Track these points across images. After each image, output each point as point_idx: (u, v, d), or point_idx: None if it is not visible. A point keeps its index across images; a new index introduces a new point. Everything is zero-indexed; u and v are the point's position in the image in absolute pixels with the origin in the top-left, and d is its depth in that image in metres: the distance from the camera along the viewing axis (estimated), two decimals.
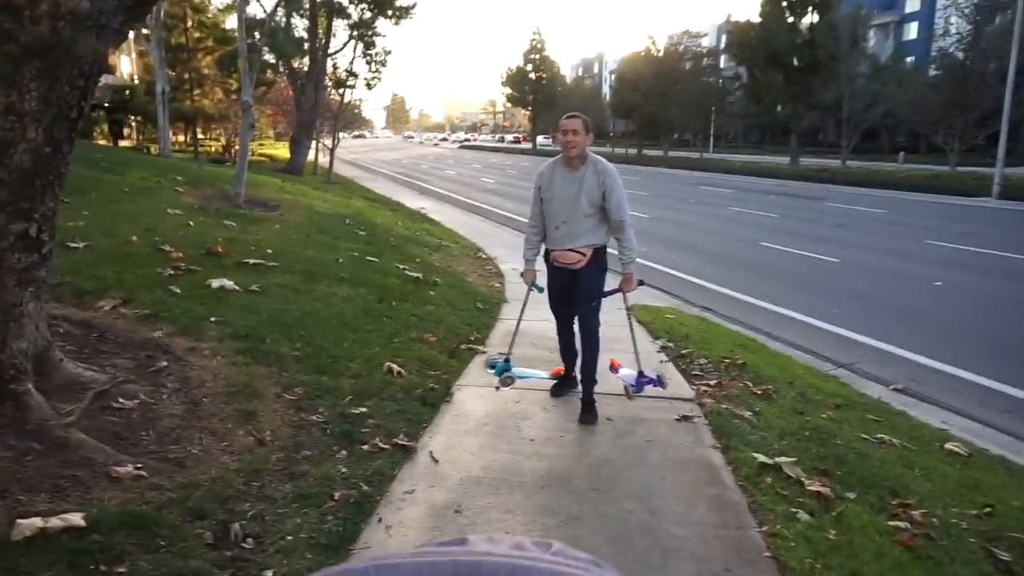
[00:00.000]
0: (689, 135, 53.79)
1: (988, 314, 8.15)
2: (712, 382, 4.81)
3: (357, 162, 46.40)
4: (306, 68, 22.69)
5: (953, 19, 31.93)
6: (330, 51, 22.62)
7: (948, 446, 4.29)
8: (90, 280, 4.65)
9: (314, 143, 30.68)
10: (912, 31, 51.14)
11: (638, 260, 3.73)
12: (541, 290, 3.89)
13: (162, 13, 16.95)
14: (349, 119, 38.44)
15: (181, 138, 31.79)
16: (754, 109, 42.54)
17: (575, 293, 3.76)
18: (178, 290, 4.83)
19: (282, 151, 35.07)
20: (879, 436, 4.15)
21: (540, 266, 3.97)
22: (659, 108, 44.75)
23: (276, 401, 3.55)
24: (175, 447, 2.95)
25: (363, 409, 3.64)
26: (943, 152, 30.92)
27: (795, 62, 34.11)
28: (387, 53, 23.00)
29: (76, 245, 5.45)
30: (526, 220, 4.04)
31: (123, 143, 30.56)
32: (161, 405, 3.22)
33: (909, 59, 42.44)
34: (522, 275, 4.03)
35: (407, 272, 7.36)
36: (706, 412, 3.91)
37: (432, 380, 4.22)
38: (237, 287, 5.22)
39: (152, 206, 7.93)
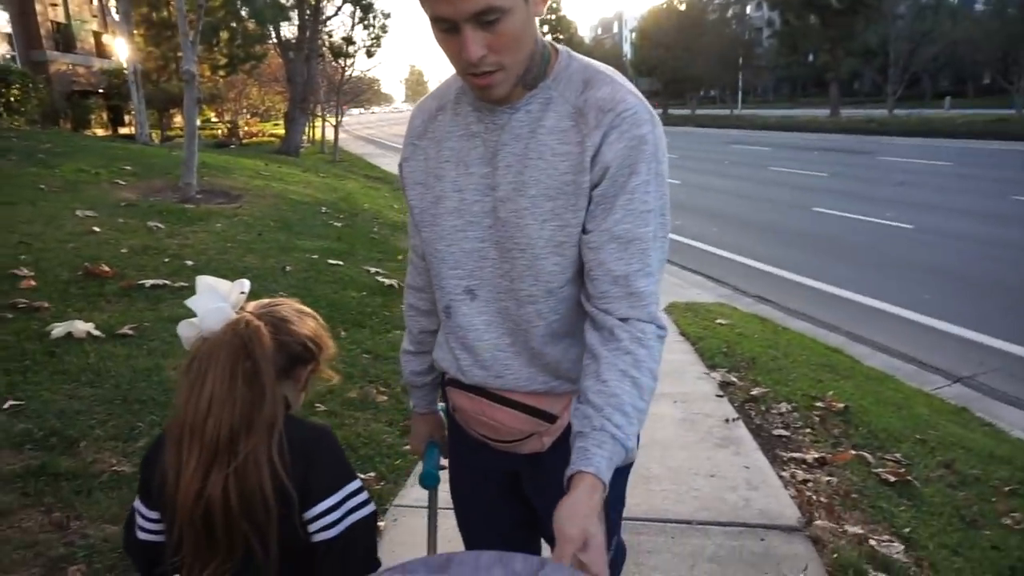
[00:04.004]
0: (716, 91, 51.00)
1: None
2: (810, 458, 3.07)
3: (372, 137, 44.71)
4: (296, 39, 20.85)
5: None
6: (323, 18, 20.73)
7: None
8: None
9: (320, 120, 29.07)
10: None
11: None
12: (433, 482, 1.39)
13: None
14: (358, 93, 36.70)
15: (178, 120, 30.23)
16: (786, 59, 39.78)
17: (525, 524, 1.34)
18: None
19: None
20: None
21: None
22: (684, 63, 42.18)
23: None
24: None
25: None
26: (995, 95, 28.12)
27: (834, 3, 31.28)
28: (386, 16, 21.04)
29: None
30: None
31: (124, 131, 29.18)
32: None
33: None
34: (410, 433, 1.49)
35: (378, 278, 5.68)
36: (829, 567, 2.16)
37: None
38: (97, 332, 3.57)
39: (60, 207, 6.33)
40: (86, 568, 1.99)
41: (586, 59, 1.10)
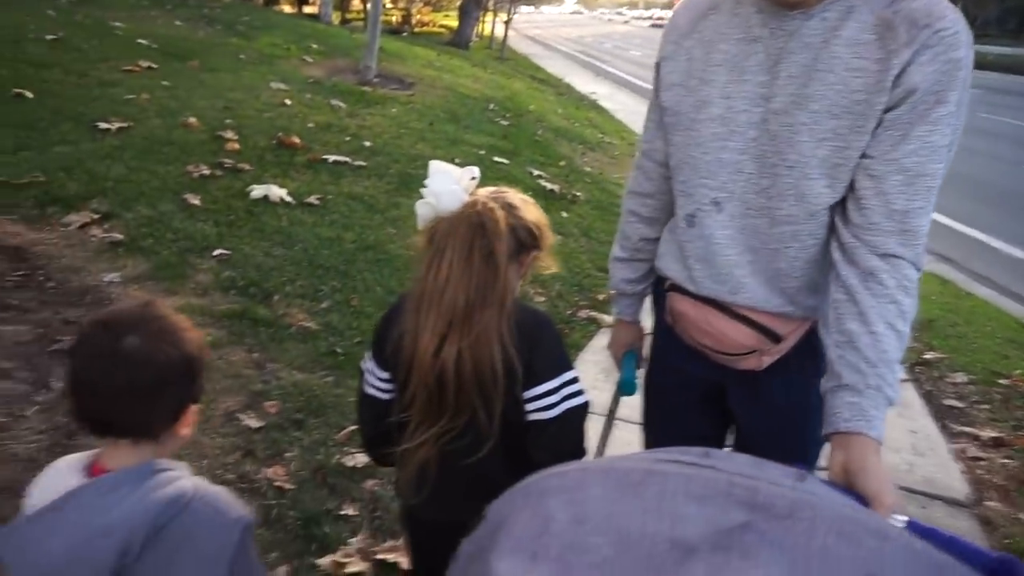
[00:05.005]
0: None
1: None
2: (985, 436, 2.84)
3: (538, 38, 43.87)
4: None
5: None
6: None
7: None
8: (78, 181, 3.49)
9: (492, 15, 28.81)
10: None
11: None
12: (632, 391, 1.38)
13: None
14: None
15: (356, 3, 31.04)
16: None
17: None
18: (198, 201, 3.57)
19: None
20: None
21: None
22: None
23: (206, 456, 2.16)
24: None
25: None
26: None
27: None
28: None
29: (108, 127, 4.33)
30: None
31: (308, 9, 30.41)
32: None
33: None
34: (611, 339, 1.46)
35: (540, 182, 5.70)
36: (996, 544, 2.04)
37: None
38: (288, 198, 3.88)
39: (257, 78, 6.78)
40: (280, 405, 2.25)
41: None
